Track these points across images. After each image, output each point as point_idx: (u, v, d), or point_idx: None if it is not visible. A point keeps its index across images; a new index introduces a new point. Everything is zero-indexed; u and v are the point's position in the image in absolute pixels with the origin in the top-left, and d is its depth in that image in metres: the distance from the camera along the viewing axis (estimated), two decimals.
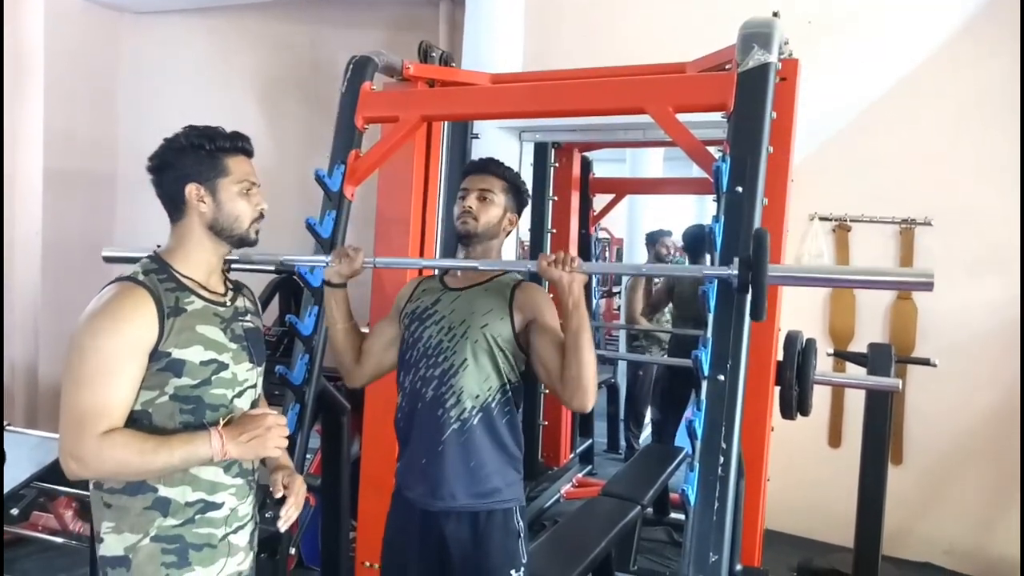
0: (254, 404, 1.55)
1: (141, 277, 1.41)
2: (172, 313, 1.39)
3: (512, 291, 1.82)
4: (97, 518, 1.42)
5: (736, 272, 1.55)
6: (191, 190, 1.46)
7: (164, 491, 1.39)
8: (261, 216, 1.53)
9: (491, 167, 1.91)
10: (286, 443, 1.45)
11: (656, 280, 4.80)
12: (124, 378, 1.35)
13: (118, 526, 1.39)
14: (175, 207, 1.49)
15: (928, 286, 1.53)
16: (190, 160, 1.46)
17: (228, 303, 1.52)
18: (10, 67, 4.27)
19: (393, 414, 1.90)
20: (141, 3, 4.69)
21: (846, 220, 3.77)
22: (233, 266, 2.76)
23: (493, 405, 1.77)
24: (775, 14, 1.99)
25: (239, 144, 1.51)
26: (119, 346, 1.34)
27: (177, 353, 1.39)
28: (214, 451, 1.35)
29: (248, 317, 1.57)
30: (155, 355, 1.37)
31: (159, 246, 1.51)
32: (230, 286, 1.57)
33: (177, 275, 1.45)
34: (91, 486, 1.43)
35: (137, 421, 1.38)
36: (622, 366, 5.79)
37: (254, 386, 1.55)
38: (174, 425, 1.40)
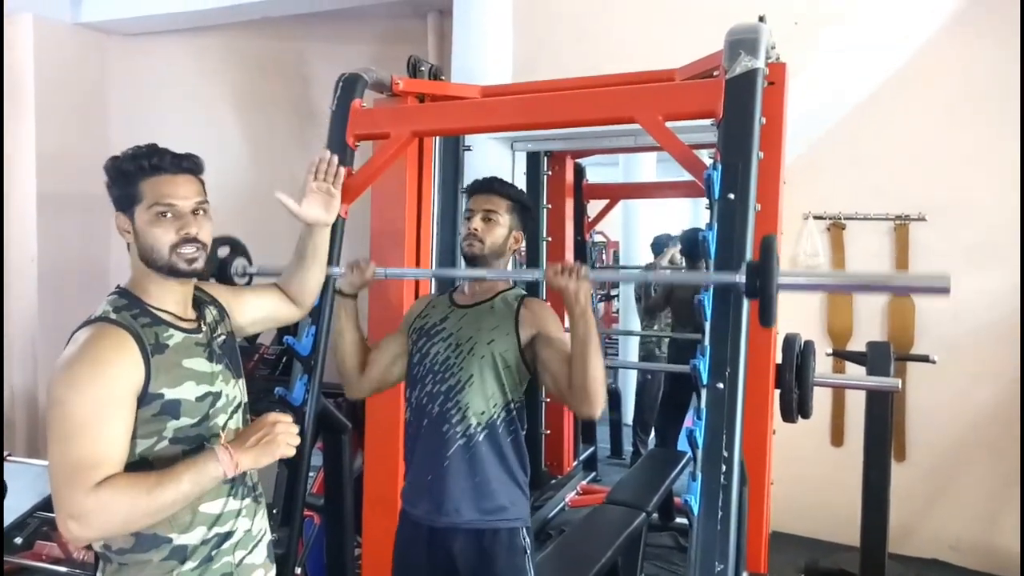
0: (244, 420, 1.48)
1: (114, 316, 1.30)
2: (155, 350, 1.29)
3: (518, 307, 1.84)
4: None
5: (744, 279, 1.53)
6: (117, 220, 1.38)
7: (180, 539, 1.31)
8: (189, 240, 1.35)
9: (495, 186, 1.92)
10: (298, 439, 1.34)
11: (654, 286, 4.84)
12: (113, 424, 1.23)
13: None
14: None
15: (944, 291, 1.49)
16: (112, 190, 1.38)
17: (202, 326, 1.44)
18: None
19: (395, 431, 1.91)
20: (129, 25, 4.70)
21: (840, 218, 3.78)
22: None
23: (498, 423, 1.79)
24: (761, 19, 1.99)
25: (146, 163, 1.35)
26: (103, 392, 1.22)
27: (171, 393, 1.30)
28: (224, 466, 1.26)
29: (219, 330, 1.48)
30: (146, 398, 1.27)
31: (119, 286, 1.40)
32: (194, 303, 1.46)
33: (150, 308, 1.35)
34: (99, 547, 1.33)
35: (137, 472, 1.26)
36: (623, 371, 5.81)
37: (241, 401, 1.48)
38: None
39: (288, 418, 1.35)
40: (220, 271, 1.96)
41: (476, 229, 1.86)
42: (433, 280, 2.72)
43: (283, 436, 1.32)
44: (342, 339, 1.91)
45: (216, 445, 1.30)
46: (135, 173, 1.35)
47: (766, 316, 1.53)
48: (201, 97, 4.79)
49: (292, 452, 1.33)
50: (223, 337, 1.48)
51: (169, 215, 1.35)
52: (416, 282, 2.65)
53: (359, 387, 1.96)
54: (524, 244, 2.04)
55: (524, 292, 1.92)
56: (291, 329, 3.11)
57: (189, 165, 1.40)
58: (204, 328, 1.44)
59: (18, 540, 2.94)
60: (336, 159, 1.77)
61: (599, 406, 1.67)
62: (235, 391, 1.46)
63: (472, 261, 1.88)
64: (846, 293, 1.50)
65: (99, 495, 1.18)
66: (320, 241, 1.73)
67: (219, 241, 1.95)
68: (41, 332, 4.38)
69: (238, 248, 2.02)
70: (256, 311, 1.63)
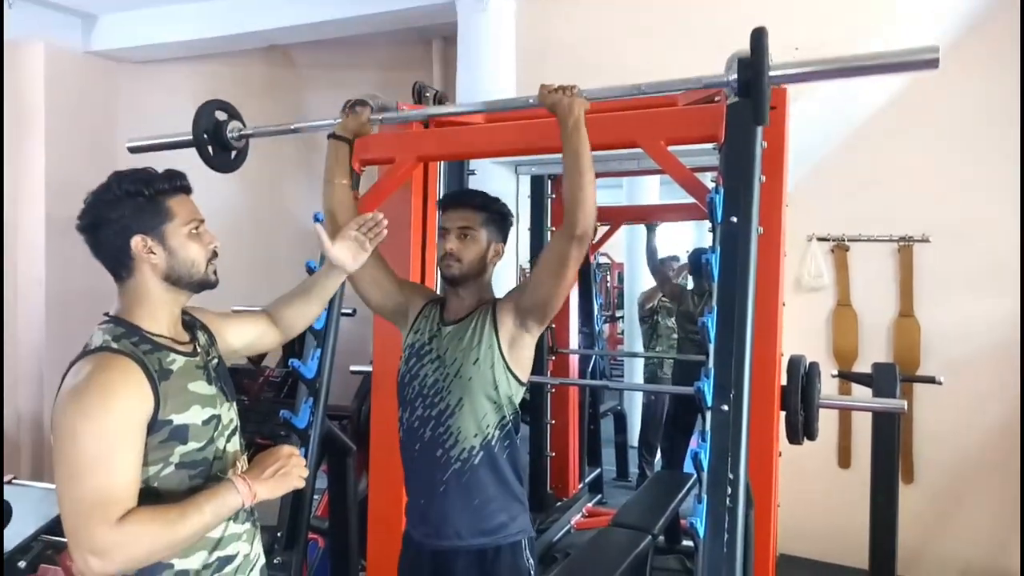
0: (240, 443, 1.49)
1: (115, 345, 1.28)
2: (161, 377, 1.29)
3: (493, 308, 1.80)
4: None
5: (735, 76, 1.52)
6: (137, 242, 1.34)
7: (181, 564, 1.31)
8: (215, 254, 1.43)
9: (467, 199, 1.86)
10: (307, 472, 1.41)
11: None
12: (127, 456, 1.23)
13: None
14: (121, 264, 1.36)
15: (933, 63, 1.45)
16: (128, 210, 1.34)
17: (197, 348, 1.43)
18: (11, 118, 4.35)
19: (400, 453, 1.90)
20: (138, 53, 4.78)
21: (844, 240, 3.78)
22: None
23: (493, 442, 1.76)
24: None
25: (178, 183, 1.40)
26: (116, 423, 1.21)
27: (179, 419, 1.30)
28: (243, 496, 1.29)
29: (212, 353, 1.48)
30: (155, 425, 1.27)
31: (107, 314, 1.37)
32: (185, 326, 1.46)
33: (149, 335, 1.34)
34: None
35: (143, 499, 1.25)
36: (628, 393, 5.80)
37: (236, 425, 1.49)
38: (182, 493, 1.30)
39: (295, 449, 1.40)
40: (215, 132, 1.97)
41: (452, 249, 1.81)
42: (438, 276, 2.71)
43: (297, 469, 1.37)
44: (332, 185, 1.87)
45: (233, 476, 1.32)
46: (168, 192, 1.38)
47: (759, 113, 1.49)
48: None
49: (303, 484, 1.38)
50: (216, 360, 1.48)
51: (200, 230, 1.41)
52: (422, 270, 2.63)
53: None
54: (529, 267, 2.02)
55: (498, 297, 1.86)
56: (297, 352, 3.14)
57: (190, 186, 1.45)
58: (199, 351, 1.44)
59: (22, 564, 2.93)
60: (385, 222, 1.72)
61: (591, 217, 1.62)
62: (230, 414, 1.46)
63: (452, 282, 1.83)
64: (836, 78, 1.44)
65: (122, 530, 1.18)
66: (332, 284, 1.72)
67: (214, 104, 1.99)
68: (48, 355, 4.40)
69: (233, 112, 2.05)
70: (239, 339, 1.62)
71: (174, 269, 1.37)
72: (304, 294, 1.71)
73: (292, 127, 2.12)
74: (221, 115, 2.04)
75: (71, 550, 1.19)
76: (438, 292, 2.11)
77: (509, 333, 1.77)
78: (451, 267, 1.81)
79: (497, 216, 1.87)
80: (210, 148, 2.02)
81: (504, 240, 1.90)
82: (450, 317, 1.85)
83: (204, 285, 1.42)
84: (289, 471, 1.35)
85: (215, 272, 1.43)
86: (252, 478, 1.31)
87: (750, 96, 1.52)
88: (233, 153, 2.09)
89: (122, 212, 1.34)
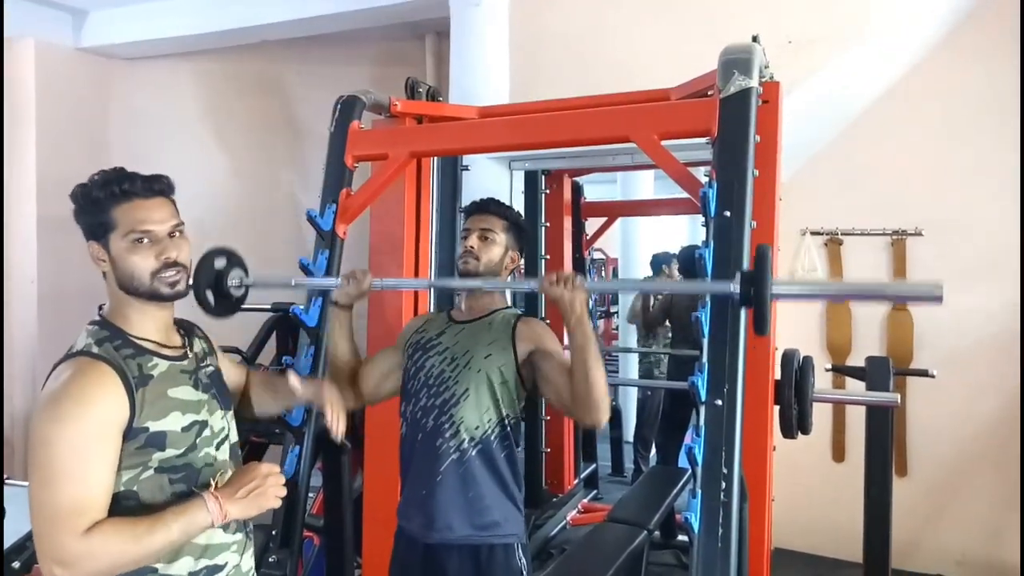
0: (233, 454, 1.46)
1: (96, 350, 1.27)
2: (139, 383, 1.27)
3: (515, 324, 1.86)
4: None
5: (738, 288, 1.53)
6: (91, 249, 1.34)
7: (165, 570, 1.29)
8: (170, 265, 1.33)
9: (491, 207, 1.96)
10: (284, 491, 1.36)
11: (653, 299, 4.86)
12: (99, 466, 1.21)
13: None
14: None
15: (937, 299, 1.47)
16: (82, 218, 1.34)
17: (188, 353, 1.41)
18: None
19: (395, 450, 1.91)
20: (131, 50, 4.75)
21: (837, 233, 3.79)
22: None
23: (492, 438, 1.78)
24: (755, 38, 2.01)
25: (117, 189, 1.31)
26: (88, 432, 1.20)
27: (156, 426, 1.27)
28: (213, 516, 1.26)
29: (207, 360, 1.46)
30: (131, 432, 1.25)
31: (101, 308, 1.37)
32: (181, 331, 1.45)
33: (132, 339, 1.32)
34: None
35: (122, 503, 1.25)
36: (623, 388, 5.80)
37: (228, 434, 1.46)
38: (165, 497, 1.29)
39: (275, 468, 1.36)
40: (216, 283, 1.92)
41: (472, 247, 1.90)
42: (431, 295, 2.73)
43: (273, 489, 1.33)
44: (336, 352, 1.90)
45: (207, 493, 1.28)
46: (106, 200, 1.31)
47: (760, 324, 1.52)
48: (201, 120, 4.83)
49: (279, 504, 1.34)
50: (211, 368, 1.46)
51: (146, 241, 1.32)
52: (415, 299, 2.66)
53: (348, 399, 1.90)
54: (523, 264, 2.05)
55: (521, 311, 1.94)
56: (290, 350, 3.13)
57: (160, 187, 1.36)
58: (191, 355, 1.41)
59: (16, 564, 2.91)
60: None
61: (604, 414, 1.66)
62: (221, 423, 1.43)
63: (468, 278, 1.90)
64: (839, 302, 1.45)
65: (89, 541, 1.17)
66: (290, 404, 1.79)
67: (215, 252, 1.90)
68: (41, 353, 4.38)
69: (234, 259, 1.95)
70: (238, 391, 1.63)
71: (121, 280, 1.33)
72: (273, 391, 1.67)
73: (292, 282, 2.06)
74: (220, 261, 1.92)
75: (39, 558, 1.18)
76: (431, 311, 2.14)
77: (524, 354, 1.82)
78: (468, 263, 1.89)
79: (516, 227, 1.96)
80: (211, 300, 1.89)
81: (520, 252, 1.98)
82: (462, 317, 1.92)
83: (156, 296, 1.34)
84: (264, 491, 1.31)
85: (171, 284, 1.34)
86: (225, 497, 1.28)
87: (752, 307, 1.51)
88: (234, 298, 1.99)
89: (80, 220, 1.35)
